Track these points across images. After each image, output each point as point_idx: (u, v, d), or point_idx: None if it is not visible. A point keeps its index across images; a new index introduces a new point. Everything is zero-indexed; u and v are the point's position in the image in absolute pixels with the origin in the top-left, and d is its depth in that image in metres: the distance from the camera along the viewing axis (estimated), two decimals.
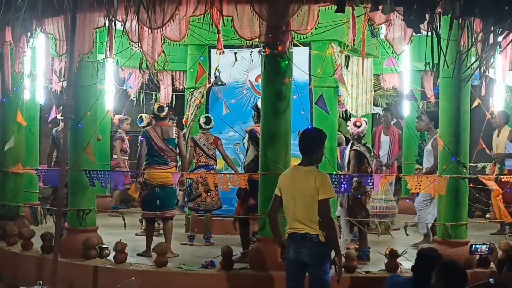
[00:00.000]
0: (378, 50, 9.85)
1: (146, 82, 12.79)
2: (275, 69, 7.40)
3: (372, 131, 12.02)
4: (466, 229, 7.73)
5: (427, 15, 6.26)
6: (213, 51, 10.06)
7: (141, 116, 11.00)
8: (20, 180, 9.91)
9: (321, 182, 5.48)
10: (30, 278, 8.10)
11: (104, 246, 8.18)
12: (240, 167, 10.41)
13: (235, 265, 7.58)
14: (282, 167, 7.23)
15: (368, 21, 7.53)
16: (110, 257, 8.02)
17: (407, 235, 8.40)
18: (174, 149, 8.87)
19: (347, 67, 9.72)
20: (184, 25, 7.47)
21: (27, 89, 9.89)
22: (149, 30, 7.33)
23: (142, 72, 9.25)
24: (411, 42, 7.64)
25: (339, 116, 12.51)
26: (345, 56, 9.66)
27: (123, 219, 8.74)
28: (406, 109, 12.97)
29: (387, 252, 7.48)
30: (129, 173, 11.60)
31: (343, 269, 5.53)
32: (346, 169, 8.82)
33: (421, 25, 6.32)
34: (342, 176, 8.12)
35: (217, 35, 7.41)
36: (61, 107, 9.70)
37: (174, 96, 12.99)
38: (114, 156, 12.74)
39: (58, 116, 10.36)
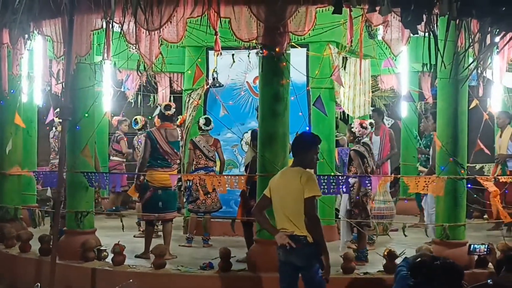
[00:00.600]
0: (375, 51, 9.88)
1: (144, 84, 12.79)
2: (273, 70, 7.41)
3: None
4: (464, 229, 7.73)
5: (424, 16, 6.26)
6: (210, 52, 10.05)
7: (136, 119, 10.98)
8: (18, 182, 9.90)
9: (305, 181, 5.47)
10: (28, 280, 8.11)
11: (102, 248, 8.17)
12: (238, 169, 10.43)
13: (234, 266, 7.58)
14: (280, 169, 7.22)
15: (366, 22, 7.54)
16: (108, 259, 8.02)
17: (405, 236, 8.40)
18: (178, 152, 8.85)
19: (344, 68, 9.73)
20: (182, 27, 7.47)
21: (24, 92, 9.88)
22: (147, 31, 7.32)
23: (139, 74, 9.26)
24: (409, 43, 7.65)
25: (338, 117, 12.51)
26: (343, 57, 9.67)
27: (121, 221, 8.74)
28: (404, 110, 12.99)
29: (386, 253, 7.49)
30: (127, 175, 11.58)
31: (330, 268, 5.49)
32: (346, 171, 8.83)
33: (419, 26, 6.31)
34: (340, 177, 8.13)
35: (215, 36, 7.43)
36: (57, 110, 9.69)
37: (172, 98, 12.98)
38: (112, 158, 12.72)
39: (56, 119, 10.36)
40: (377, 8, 6.32)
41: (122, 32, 7.43)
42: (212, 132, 9.94)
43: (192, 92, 10.33)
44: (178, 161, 8.98)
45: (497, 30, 6.52)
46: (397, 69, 11.15)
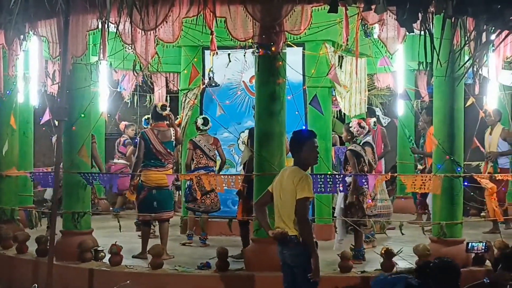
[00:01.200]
0: (371, 50, 9.87)
1: (140, 84, 12.77)
2: (269, 69, 7.41)
3: None
4: (461, 227, 7.74)
5: (420, 15, 6.27)
6: (206, 52, 10.06)
7: (147, 118, 10.93)
8: (14, 183, 9.89)
9: (298, 181, 5.45)
10: (25, 281, 8.10)
11: (99, 248, 8.16)
12: (235, 168, 10.42)
13: (232, 266, 7.58)
14: (276, 168, 7.24)
15: (361, 21, 7.55)
16: (106, 260, 8.01)
17: (402, 234, 8.41)
18: (172, 152, 8.85)
19: (340, 67, 9.73)
20: (177, 27, 7.45)
21: (20, 92, 9.86)
22: (142, 31, 7.31)
23: (135, 74, 9.23)
24: (404, 41, 7.66)
25: (334, 116, 12.51)
26: (339, 56, 9.67)
27: (118, 222, 8.73)
28: (400, 108, 13.00)
29: (383, 251, 7.49)
30: (126, 176, 11.55)
31: (319, 270, 5.48)
32: (342, 170, 8.84)
33: (414, 25, 6.33)
34: (337, 176, 8.13)
35: (211, 36, 7.41)
36: (49, 110, 9.64)
37: (168, 98, 12.97)
38: (117, 161, 12.70)
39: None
40: (373, 7, 6.33)
41: (117, 32, 7.43)
42: (209, 131, 9.94)
43: (188, 91, 10.33)
44: (172, 161, 8.96)
45: (493, 28, 6.54)
46: (393, 67, 11.14)
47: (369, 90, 12.47)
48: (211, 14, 7.06)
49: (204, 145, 9.66)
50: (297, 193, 5.41)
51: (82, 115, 8.11)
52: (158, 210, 8.59)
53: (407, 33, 6.96)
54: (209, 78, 10.11)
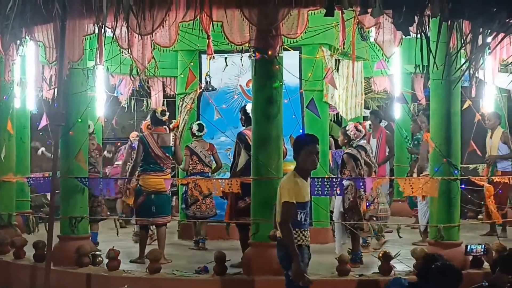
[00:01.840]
0: (368, 53, 9.89)
1: (137, 89, 12.77)
2: (266, 73, 7.41)
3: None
4: (458, 230, 7.74)
5: (416, 18, 6.27)
6: (203, 56, 10.06)
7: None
8: (11, 189, 9.87)
9: (281, 186, 5.56)
10: (23, 287, 8.09)
11: (97, 253, 8.16)
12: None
13: (229, 270, 7.57)
14: (274, 172, 7.24)
15: (358, 25, 7.56)
16: (103, 265, 8.00)
17: (400, 237, 8.41)
18: (170, 156, 8.86)
19: (337, 71, 9.74)
20: (174, 31, 7.46)
21: (17, 98, 9.85)
22: (139, 36, 7.31)
23: (132, 79, 9.24)
24: (401, 44, 7.67)
25: (331, 120, 12.52)
26: (335, 59, 9.68)
27: (116, 226, 8.72)
28: (397, 111, 13.01)
29: (381, 254, 7.49)
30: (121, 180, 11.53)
31: (298, 273, 5.45)
32: (338, 173, 8.83)
33: (410, 28, 6.34)
34: (334, 180, 8.13)
35: (207, 40, 7.42)
36: (46, 115, 9.63)
37: (165, 102, 12.97)
38: (118, 163, 12.68)
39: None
40: (369, 10, 6.33)
41: (114, 37, 7.41)
42: (206, 136, 9.96)
43: (185, 96, 10.32)
44: (170, 165, 8.98)
45: (489, 31, 6.55)
46: (390, 70, 11.17)
47: (365, 94, 12.48)
48: (208, 18, 7.05)
49: (200, 151, 9.71)
50: (281, 197, 5.50)
51: (79, 120, 8.11)
52: (156, 215, 8.59)
53: (404, 36, 6.98)
54: (206, 82, 10.12)
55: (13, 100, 9.70)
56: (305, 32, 7.52)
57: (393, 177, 11.50)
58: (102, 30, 7.27)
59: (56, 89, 7.96)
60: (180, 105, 10.56)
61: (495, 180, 8.61)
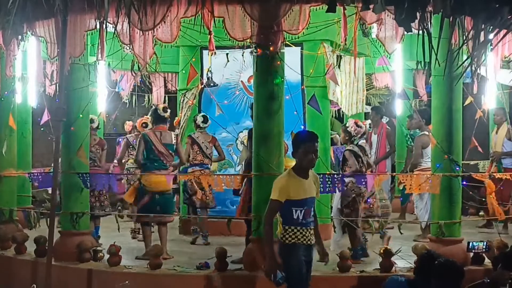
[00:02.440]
0: (370, 49, 9.87)
1: (138, 84, 12.77)
2: (267, 69, 7.39)
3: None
4: (459, 227, 7.73)
5: (418, 14, 6.26)
6: (205, 52, 10.05)
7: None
8: (13, 184, 9.87)
9: (274, 183, 5.65)
10: (24, 282, 8.10)
11: (98, 248, 8.16)
12: (234, 168, 10.43)
13: (230, 266, 7.57)
14: (275, 168, 7.23)
15: (360, 21, 7.53)
16: (104, 260, 8.00)
17: (401, 233, 8.41)
18: (173, 154, 8.86)
19: (339, 67, 9.73)
20: (176, 27, 7.45)
21: (18, 93, 9.85)
22: (141, 31, 7.30)
23: (134, 74, 9.22)
24: (403, 41, 7.64)
25: (332, 116, 12.51)
26: (337, 55, 9.67)
27: (117, 222, 8.72)
28: (399, 108, 12.99)
29: (381, 251, 7.49)
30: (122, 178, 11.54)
31: (272, 269, 5.54)
32: (340, 170, 8.82)
33: (412, 24, 6.31)
34: (335, 176, 8.12)
35: (209, 36, 7.41)
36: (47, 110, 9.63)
37: (166, 98, 12.97)
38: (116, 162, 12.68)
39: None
40: (371, 6, 6.32)
41: (116, 32, 7.40)
42: (208, 131, 9.96)
43: (186, 92, 10.33)
44: (171, 162, 8.98)
45: (491, 27, 6.53)
46: (392, 67, 11.15)
47: (367, 90, 12.47)
48: (209, 14, 7.05)
49: (202, 142, 9.75)
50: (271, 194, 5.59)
51: (81, 116, 8.11)
52: (161, 215, 8.61)
53: (405, 32, 6.95)
54: (208, 78, 10.12)
55: (15, 95, 9.69)
56: (307, 28, 7.50)
57: (394, 173, 11.49)
58: (104, 26, 7.26)
59: (57, 85, 7.95)
60: (181, 101, 10.56)
61: (497, 177, 8.59)
